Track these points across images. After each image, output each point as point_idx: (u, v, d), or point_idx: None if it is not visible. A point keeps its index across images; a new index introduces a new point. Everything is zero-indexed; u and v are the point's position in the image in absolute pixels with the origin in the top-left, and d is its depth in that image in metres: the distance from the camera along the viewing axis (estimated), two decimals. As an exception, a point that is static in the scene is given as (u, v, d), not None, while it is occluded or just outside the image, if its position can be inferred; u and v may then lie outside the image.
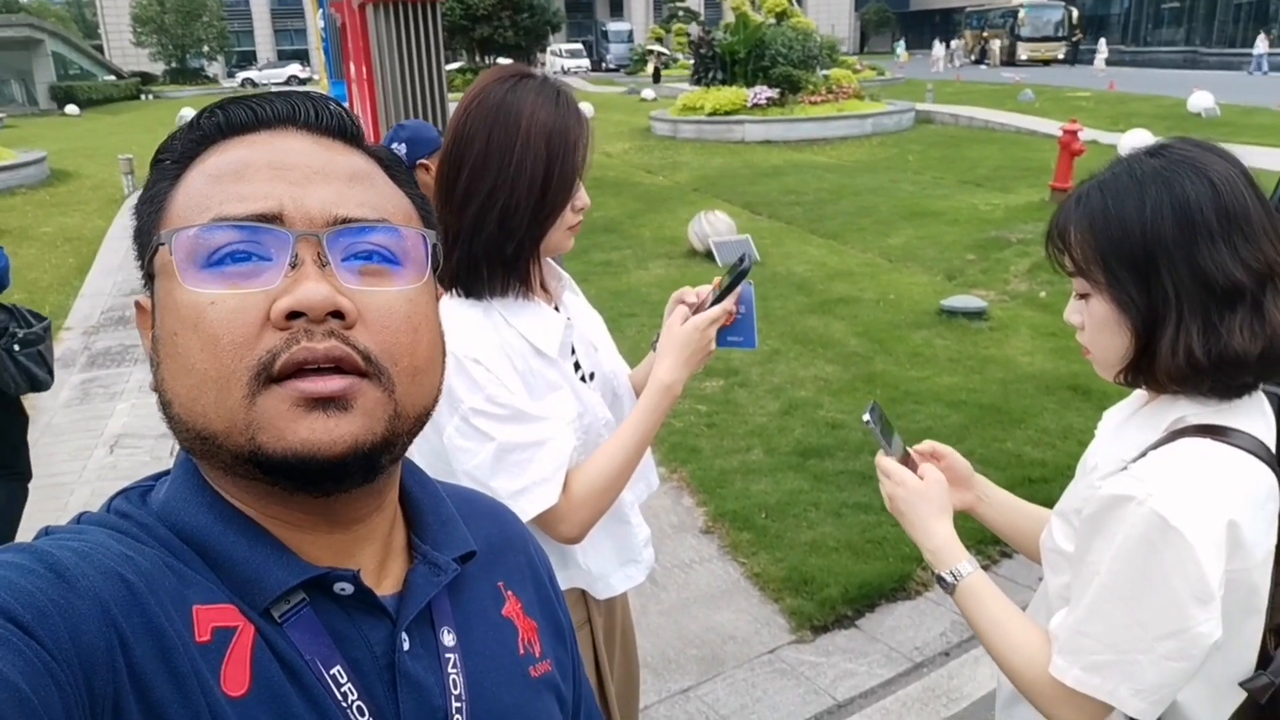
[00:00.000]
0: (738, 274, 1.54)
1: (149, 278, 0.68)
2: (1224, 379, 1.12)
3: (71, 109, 36.11)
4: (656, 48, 32.01)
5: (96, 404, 5.78)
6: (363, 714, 0.67)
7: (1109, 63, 36.78)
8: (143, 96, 45.08)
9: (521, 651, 0.82)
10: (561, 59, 51.53)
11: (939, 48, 43.75)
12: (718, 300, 1.54)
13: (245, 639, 0.63)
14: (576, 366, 1.62)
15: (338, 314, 0.63)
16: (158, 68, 55.52)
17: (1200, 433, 1.13)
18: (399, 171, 0.76)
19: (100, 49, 58.60)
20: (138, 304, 0.71)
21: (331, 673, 0.66)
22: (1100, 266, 1.14)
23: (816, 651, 3.26)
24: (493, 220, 1.44)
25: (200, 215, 0.65)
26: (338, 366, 0.63)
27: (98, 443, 5.24)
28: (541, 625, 0.87)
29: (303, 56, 60.99)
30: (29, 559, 0.57)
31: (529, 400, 1.46)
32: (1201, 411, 1.15)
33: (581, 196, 1.52)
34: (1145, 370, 1.17)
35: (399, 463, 0.74)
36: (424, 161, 3.01)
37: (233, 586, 0.65)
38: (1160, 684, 1.08)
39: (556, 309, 1.60)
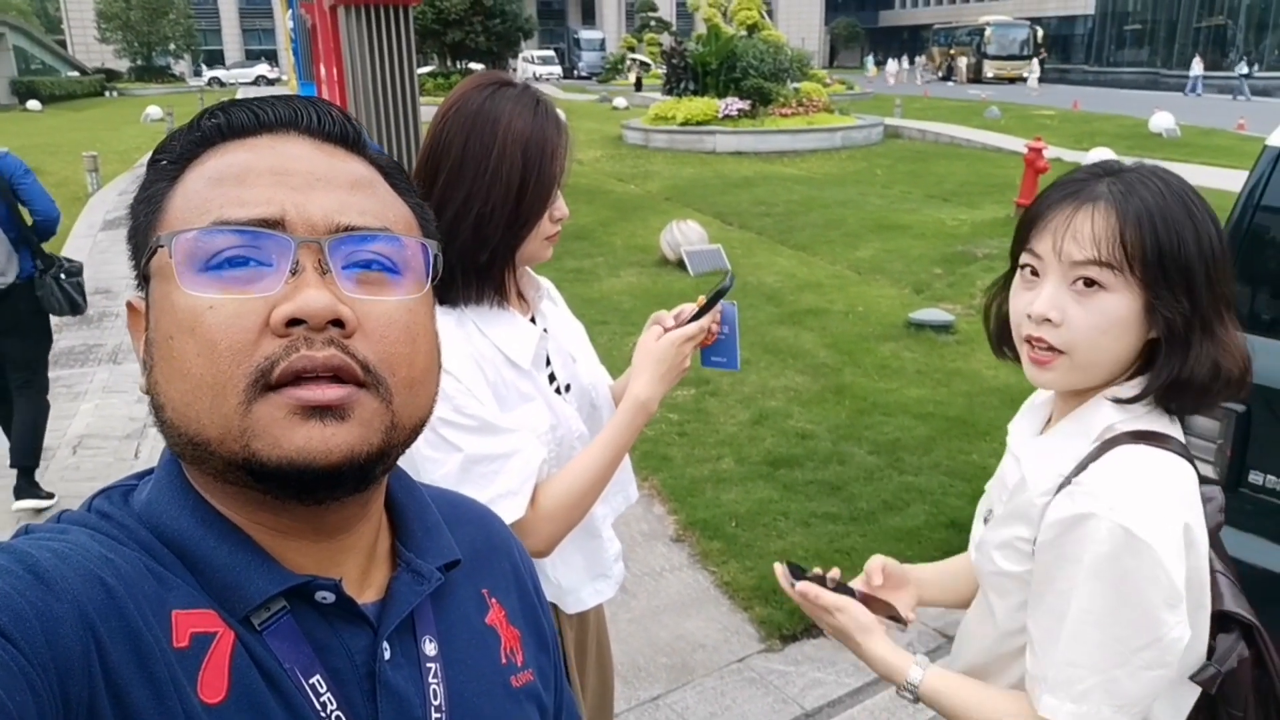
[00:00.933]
0: (716, 292, 1.52)
1: (144, 279, 0.67)
2: (1210, 398, 1.15)
3: (33, 104, 35.48)
4: (639, 56, 32.09)
5: (59, 404, 5.65)
6: None
7: (1042, 80, 38.00)
8: (107, 93, 44.41)
9: (504, 661, 0.82)
10: (534, 65, 51.40)
11: (892, 64, 44.32)
12: (697, 317, 1.53)
13: (224, 645, 0.62)
14: (552, 378, 1.60)
15: (338, 322, 0.63)
16: (123, 65, 54.75)
17: (1135, 439, 1.14)
18: (400, 179, 0.76)
19: (63, 44, 57.65)
20: (130, 305, 0.70)
21: (311, 682, 0.65)
22: (1141, 265, 1.11)
23: (785, 660, 3.28)
24: (467, 228, 1.43)
25: (200, 218, 0.64)
26: (336, 375, 0.63)
27: (60, 443, 5.15)
28: (524, 634, 0.86)
29: (271, 56, 60.43)
30: (7, 559, 0.56)
31: (498, 412, 1.45)
32: (1127, 419, 1.17)
33: (560, 206, 1.52)
34: (1149, 379, 1.16)
35: (390, 471, 0.74)
36: None
37: (213, 592, 0.64)
38: (1141, 696, 1.09)
39: (533, 319, 1.59)
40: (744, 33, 20.22)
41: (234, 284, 0.62)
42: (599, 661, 1.82)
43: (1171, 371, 1.13)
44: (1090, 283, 1.12)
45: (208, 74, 53.95)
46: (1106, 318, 1.12)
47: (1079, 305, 1.13)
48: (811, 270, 8.79)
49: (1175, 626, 1.07)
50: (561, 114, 1.50)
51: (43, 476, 4.52)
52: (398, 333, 0.67)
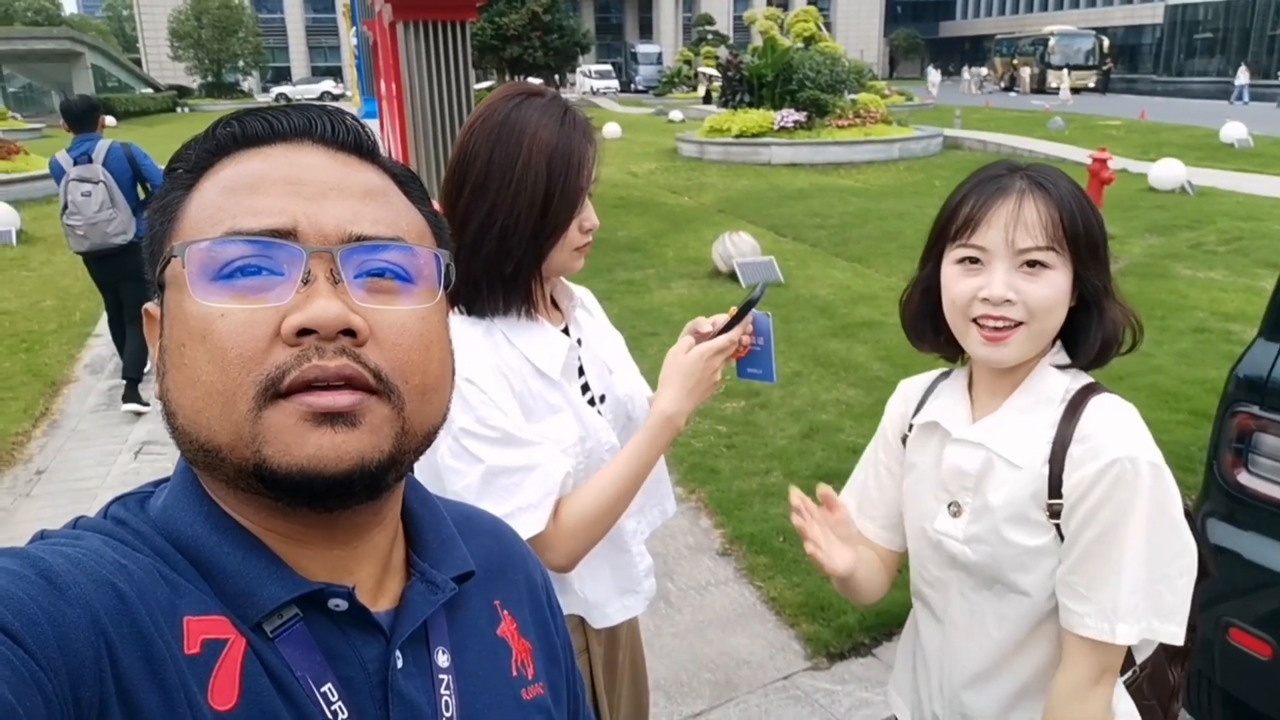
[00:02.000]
0: (746, 303, 1.48)
1: (159, 287, 0.67)
2: (1116, 352, 1.38)
3: (109, 120, 36.77)
4: (708, 70, 31.90)
5: (122, 410, 5.82)
6: None
7: (1107, 90, 37.36)
8: (178, 109, 45.84)
9: (514, 673, 0.81)
10: (591, 79, 51.88)
11: (933, 73, 43.58)
12: (727, 329, 1.48)
13: (235, 652, 0.62)
14: (586, 389, 1.58)
15: (350, 332, 0.63)
16: (194, 82, 56.54)
17: (1095, 390, 1.35)
18: (413, 188, 0.76)
19: (138, 62, 59.75)
20: (146, 311, 0.71)
21: (323, 690, 0.65)
22: (1073, 245, 1.29)
23: (832, 679, 3.21)
24: (492, 238, 1.42)
25: (213, 227, 0.64)
26: (348, 384, 0.63)
27: (123, 448, 5.28)
28: (536, 647, 0.86)
29: (336, 73, 61.91)
30: (21, 564, 0.56)
31: (522, 423, 1.43)
32: (1076, 376, 1.37)
33: (589, 217, 1.49)
34: (1071, 342, 1.37)
35: (402, 480, 0.74)
36: None
37: (226, 599, 0.64)
38: (1183, 603, 1.27)
39: (566, 330, 1.57)
40: (801, 45, 20.11)
41: (245, 293, 0.63)
42: (632, 679, 1.78)
43: (1100, 333, 1.34)
44: (1034, 264, 1.28)
45: (275, 90, 55.40)
46: (1056, 290, 1.29)
47: (1030, 283, 1.28)
48: (866, 282, 8.67)
49: (1189, 533, 1.29)
50: (591, 124, 1.48)
51: (104, 480, 4.65)
52: (410, 340, 0.67)
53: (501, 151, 1.41)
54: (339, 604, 0.67)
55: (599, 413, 1.59)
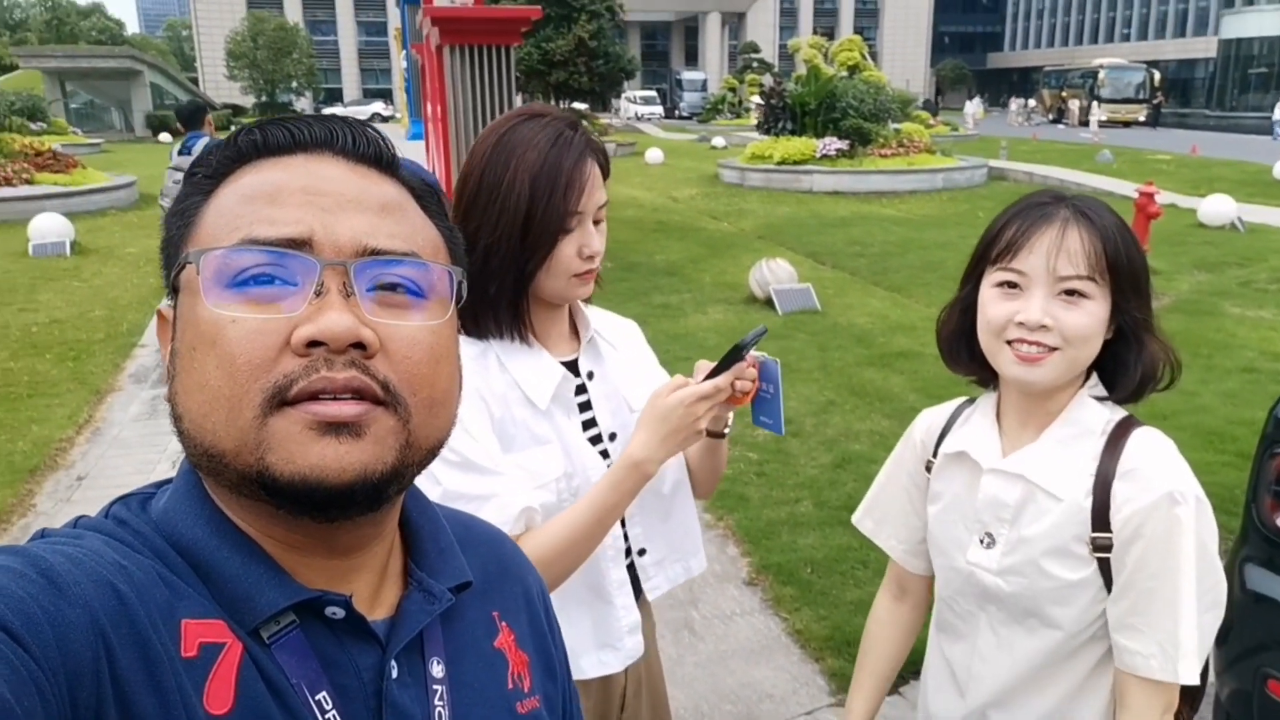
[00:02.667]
0: (734, 349, 1.37)
1: (174, 290, 0.68)
2: (1154, 387, 1.37)
3: (165, 137, 37.70)
4: (757, 100, 31.83)
5: (163, 420, 5.91)
6: None
7: (1157, 124, 36.71)
8: (232, 128, 46.65)
9: (510, 685, 0.81)
10: (636, 105, 52.29)
11: (970, 104, 42.94)
12: (715, 373, 1.38)
13: (232, 657, 0.62)
14: (592, 424, 1.52)
15: (360, 345, 0.63)
16: (248, 101, 57.77)
17: (1134, 424, 1.35)
18: (431, 202, 0.76)
19: (195, 81, 61.32)
20: (159, 314, 0.71)
21: (317, 698, 0.65)
22: (1114, 276, 1.29)
23: (856, 716, 3.14)
24: (477, 259, 1.39)
25: (229, 235, 0.65)
26: (356, 395, 0.63)
27: (162, 457, 5.36)
28: (533, 659, 0.85)
29: (387, 95, 63.10)
30: (21, 563, 0.56)
31: (491, 450, 1.38)
32: (1114, 410, 1.37)
33: (590, 243, 1.42)
34: (1108, 375, 1.37)
35: (404, 492, 0.74)
36: None
37: (224, 603, 0.64)
38: (1210, 640, 1.29)
39: (575, 361, 1.53)
40: (845, 73, 20.10)
41: (258, 301, 0.63)
42: (653, 714, 1.70)
43: (1138, 367, 1.33)
44: (1073, 293, 1.28)
45: (326, 111, 56.32)
46: (1094, 320, 1.29)
47: (1067, 311, 1.28)
48: (905, 312, 8.58)
49: (1221, 568, 1.31)
50: (595, 146, 1.43)
51: (148, 475, 4.70)
52: (420, 354, 0.67)
53: (490, 172, 1.39)
54: (336, 612, 0.67)
55: (604, 451, 1.52)
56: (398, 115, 44.63)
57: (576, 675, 1.50)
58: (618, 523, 1.50)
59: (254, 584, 0.65)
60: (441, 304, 0.70)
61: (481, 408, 1.40)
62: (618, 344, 1.62)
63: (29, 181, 15.21)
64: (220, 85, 61.52)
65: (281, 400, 0.61)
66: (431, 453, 0.70)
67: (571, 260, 1.42)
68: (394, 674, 0.70)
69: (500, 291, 1.43)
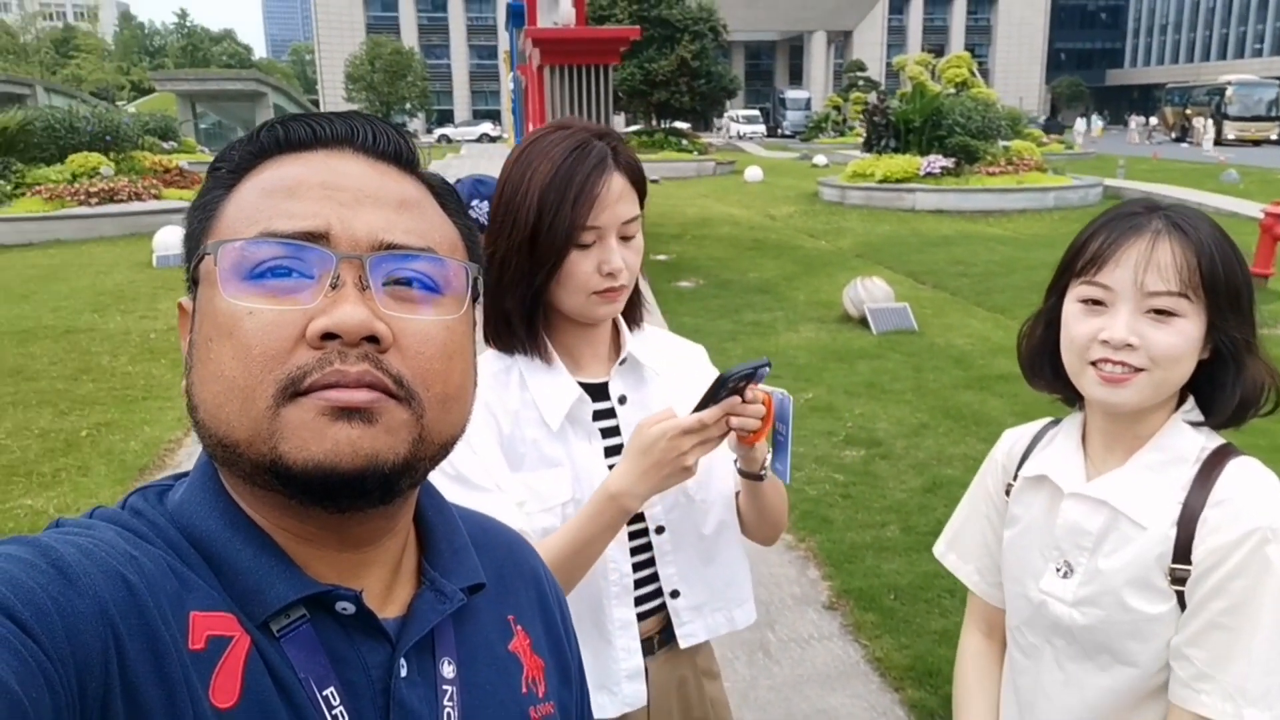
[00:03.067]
0: (719, 379, 1.22)
1: (193, 283, 0.69)
2: (1254, 412, 1.28)
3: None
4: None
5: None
6: None
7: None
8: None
9: (524, 690, 0.80)
10: (738, 124, 52.32)
11: (1081, 123, 41.11)
12: (700, 407, 1.27)
13: (239, 650, 0.62)
14: (617, 451, 1.44)
15: (373, 339, 0.63)
16: (364, 122, 59.93)
17: (1232, 453, 1.26)
18: (450, 200, 0.76)
19: (316, 103, 64.23)
20: (180, 306, 0.72)
21: (324, 694, 0.65)
22: (1210, 293, 1.20)
23: (935, 750, 3.02)
24: (494, 272, 1.38)
25: (248, 228, 0.65)
26: (368, 389, 0.63)
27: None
28: (549, 664, 0.84)
29: (495, 116, 64.79)
30: (32, 553, 0.56)
31: (491, 466, 1.35)
32: (1211, 436, 1.28)
33: (610, 260, 1.35)
34: (1204, 398, 1.28)
35: (416, 487, 0.73)
36: None
37: (234, 595, 0.64)
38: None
39: (605, 384, 1.46)
40: (952, 90, 19.65)
41: (274, 293, 0.63)
42: None
43: (1237, 390, 1.25)
44: (1162, 311, 1.20)
45: (437, 132, 58.28)
46: (1185, 339, 1.20)
47: (1156, 330, 1.20)
48: (1007, 334, 8.28)
49: None
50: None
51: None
52: (434, 349, 0.67)
53: (509, 184, 1.37)
54: (346, 607, 0.67)
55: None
56: (504, 135, 45.74)
57: None
58: (625, 559, 1.45)
59: (265, 577, 0.65)
60: (456, 300, 0.70)
61: (490, 423, 1.38)
62: (666, 369, 1.53)
63: (156, 196, 16.14)
64: (339, 107, 64.09)
65: (295, 391, 0.61)
66: (445, 448, 0.70)
67: (589, 277, 1.36)
68: (403, 672, 0.69)
69: (515, 306, 1.40)
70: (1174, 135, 46.84)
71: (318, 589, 0.66)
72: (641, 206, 1.42)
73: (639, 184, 1.41)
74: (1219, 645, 1.17)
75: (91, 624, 0.54)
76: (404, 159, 0.73)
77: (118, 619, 0.56)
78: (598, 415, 1.46)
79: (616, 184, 1.36)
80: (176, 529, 0.66)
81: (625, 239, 1.38)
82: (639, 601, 1.49)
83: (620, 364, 1.48)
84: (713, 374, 1.52)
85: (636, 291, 1.51)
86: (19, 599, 0.52)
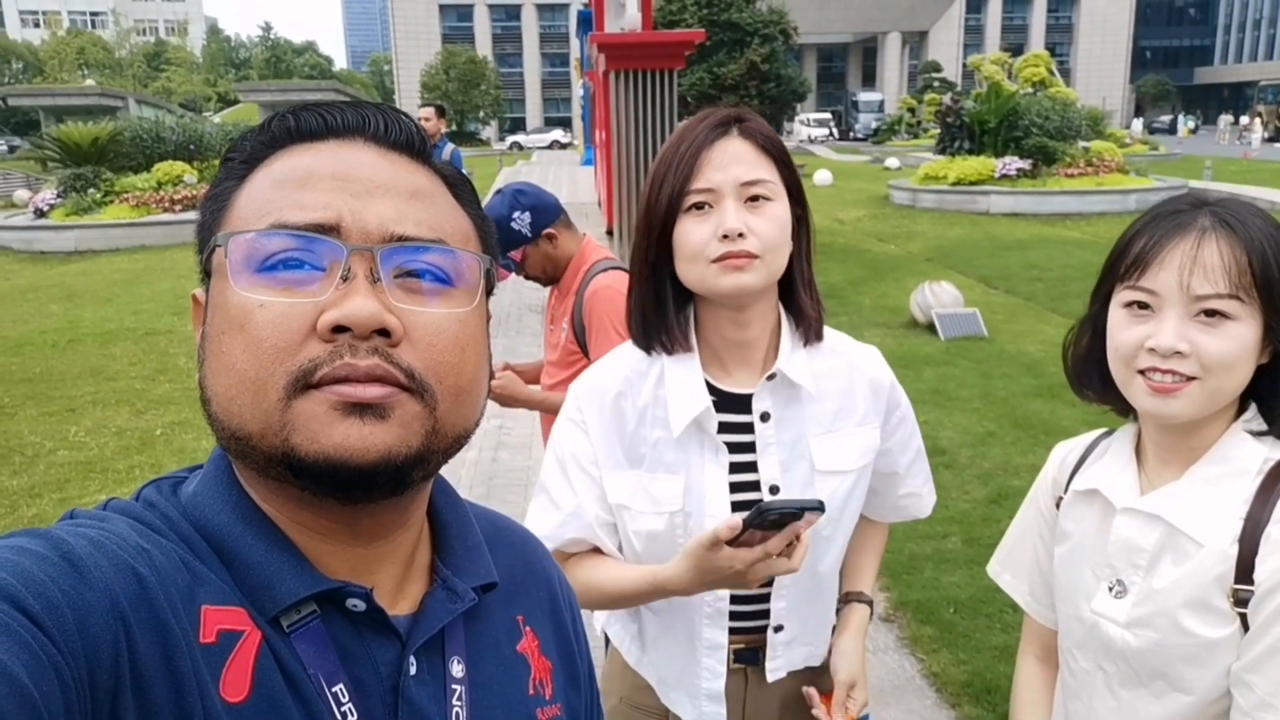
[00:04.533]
0: (759, 510, 1.13)
1: (206, 274, 0.69)
2: None
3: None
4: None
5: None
6: None
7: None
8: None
9: (531, 691, 0.79)
10: (809, 128, 51.95)
11: (1189, 120, 39.53)
12: (743, 531, 1.16)
13: (250, 645, 0.62)
14: (746, 468, 1.37)
15: (384, 331, 0.63)
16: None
17: None
18: (463, 190, 0.75)
19: (392, 113, 65.44)
20: (194, 298, 0.73)
21: (334, 690, 0.65)
22: (1264, 293, 1.13)
23: (991, 770, 2.91)
24: (633, 266, 1.36)
25: (260, 219, 0.66)
26: (379, 382, 0.63)
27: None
28: (557, 666, 0.84)
29: (566, 123, 65.40)
30: (44, 545, 0.57)
31: (603, 459, 1.37)
32: (1275, 446, 1.20)
33: (726, 221, 1.24)
34: (1265, 405, 1.20)
35: (429, 481, 0.73)
36: (550, 231, 2.70)
37: (245, 590, 0.64)
38: None
39: (750, 396, 1.37)
40: (1029, 90, 19.16)
41: (285, 285, 0.64)
42: None
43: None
44: (1213, 313, 1.13)
45: (509, 139, 59.05)
46: (1239, 345, 1.13)
47: (1207, 335, 1.13)
48: (1082, 341, 8.03)
49: None
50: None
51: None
52: (446, 342, 0.67)
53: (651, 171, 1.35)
54: (357, 604, 0.67)
55: (755, 503, 1.35)
56: (575, 143, 46.13)
57: (672, 707, 1.47)
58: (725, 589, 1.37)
59: (276, 572, 0.65)
60: (469, 292, 0.69)
61: (614, 415, 1.38)
62: (827, 388, 1.41)
63: (234, 204, 16.66)
64: (415, 115, 65.46)
65: (306, 384, 0.61)
66: (458, 441, 0.69)
67: (705, 243, 1.27)
68: (412, 670, 0.69)
69: (646, 292, 1.35)
70: (1267, 135, 44.96)
71: (329, 585, 0.66)
72: (792, 180, 1.34)
73: (773, 152, 1.32)
74: (1278, 672, 1.10)
75: (102, 617, 0.54)
76: (415, 148, 0.72)
77: (128, 612, 0.56)
78: (733, 428, 1.38)
79: (735, 146, 1.29)
80: (189, 522, 0.66)
81: (752, 202, 1.28)
82: (740, 627, 1.44)
83: (769, 378, 1.37)
84: (877, 392, 1.46)
85: (807, 296, 1.40)
86: (30, 591, 0.52)
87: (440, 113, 8.08)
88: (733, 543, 1.16)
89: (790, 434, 1.38)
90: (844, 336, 1.48)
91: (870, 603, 1.57)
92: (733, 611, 1.42)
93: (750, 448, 1.37)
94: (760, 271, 1.27)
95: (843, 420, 1.43)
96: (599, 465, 1.37)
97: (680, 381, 1.35)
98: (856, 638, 1.52)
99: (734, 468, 1.37)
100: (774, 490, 1.37)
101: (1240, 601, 1.14)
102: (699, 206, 1.27)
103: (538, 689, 0.80)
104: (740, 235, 1.24)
